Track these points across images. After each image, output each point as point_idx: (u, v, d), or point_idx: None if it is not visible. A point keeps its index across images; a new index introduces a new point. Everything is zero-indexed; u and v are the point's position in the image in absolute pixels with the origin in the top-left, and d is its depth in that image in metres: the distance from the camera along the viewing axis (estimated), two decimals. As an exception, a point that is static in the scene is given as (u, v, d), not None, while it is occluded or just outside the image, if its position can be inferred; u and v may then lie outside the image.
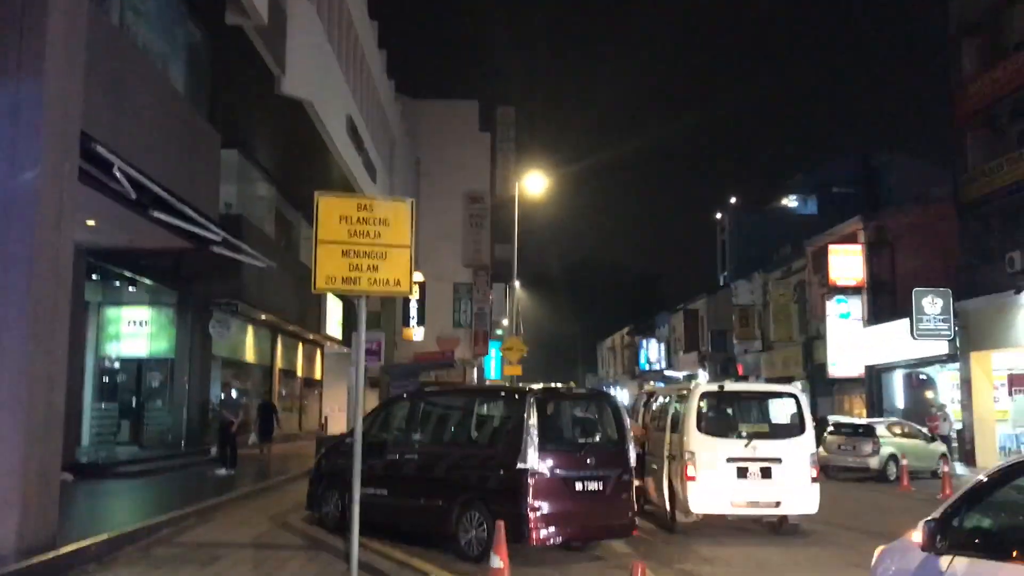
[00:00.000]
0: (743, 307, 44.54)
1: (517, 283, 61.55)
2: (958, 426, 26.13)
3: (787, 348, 39.47)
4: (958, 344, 26.21)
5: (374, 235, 8.76)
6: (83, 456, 17.49)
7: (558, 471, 9.79)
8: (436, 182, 45.77)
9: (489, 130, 48.60)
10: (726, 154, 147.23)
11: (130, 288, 21.31)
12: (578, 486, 9.93)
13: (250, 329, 27.95)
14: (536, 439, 9.68)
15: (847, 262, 32.21)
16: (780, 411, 12.97)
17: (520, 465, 9.62)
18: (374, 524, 10.47)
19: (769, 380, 41.27)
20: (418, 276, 39.74)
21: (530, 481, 9.57)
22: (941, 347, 26.75)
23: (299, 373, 35.02)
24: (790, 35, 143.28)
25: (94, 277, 20.12)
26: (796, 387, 13.02)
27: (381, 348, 22.52)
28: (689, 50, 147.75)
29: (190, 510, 12.19)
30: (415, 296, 39.20)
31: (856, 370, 31.96)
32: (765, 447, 11.89)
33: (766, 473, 11.82)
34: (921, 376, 30.96)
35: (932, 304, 26.03)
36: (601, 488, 10.08)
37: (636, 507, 10.69)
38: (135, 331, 22.58)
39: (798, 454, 11.94)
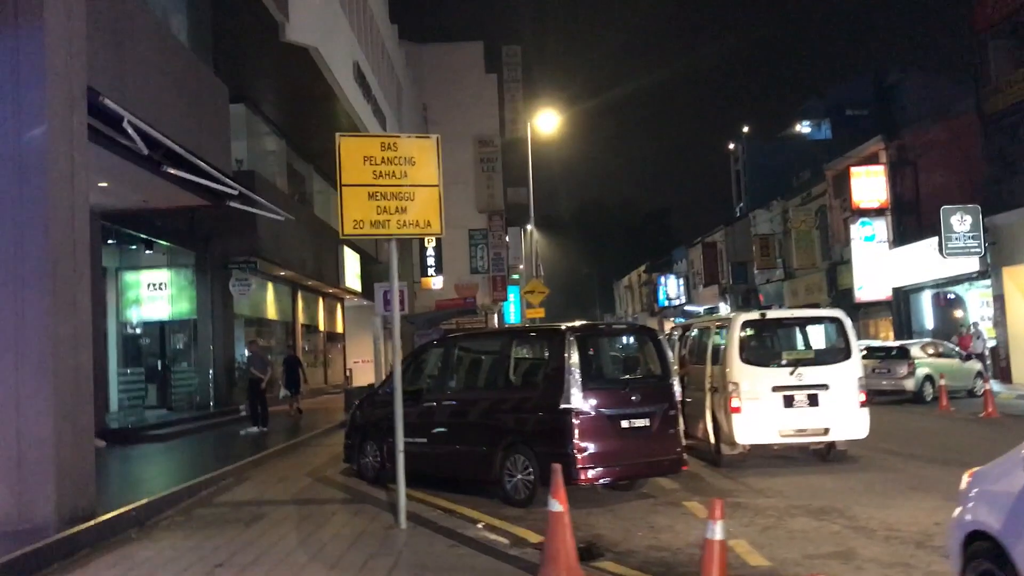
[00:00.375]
0: (763, 236, 43.99)
1: (530, 226, 61.14)
2: (992, 343, 25.73)
3: (809, 275, 38.99)
4: (989, 260, 25.68)
5: (400, 175, 8.38)
6: (112, 422, 17.38)
7: (603, 409, 9.48)
8: (444, 127, 44.92)
9: (496, 71, 47.71)
10: (736, 85, 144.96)
11: (147, 251, 21.03)
12: (624, 424, 9.63)
13: (270, 286, 27.74)
14: (579, 378, 9.36)
15: (870, 184, 31.55)
16: (824, 336, 12.62)
17: (563, 405, 9.32)
18: (414, 473, 10.21)
19: (792, 308, 40.90)
20: (433, 223, 39.29)
21: (575, 421, 9.27)
22: (971, 264, 26.22)
23: (321, 327, 34.89)
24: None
25: (110, 242, 19.86)
26: (839, 311, 12.59)
27: (405, 297, 22.17)
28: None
29: (227, 469, 12.01)
30: (431, 244, 38.86)
31: (883, 293, 31.50)
32: (811, 374, 11.55)
33: (813, 400, 11.50)
34: (949, 295, 30.48)
35: (961, 222, 25.46)
36: (648, 424, 9.78)
37: (684, 442, 10.39)
38: (155, 294, 22.37)
39: (845, 379, 11.60)
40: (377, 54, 29.04)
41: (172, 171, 11.83)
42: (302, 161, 29.63)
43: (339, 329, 38.74)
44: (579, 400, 9.32)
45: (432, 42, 46.11)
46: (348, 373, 39.80)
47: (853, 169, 31.82)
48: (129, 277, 22.06)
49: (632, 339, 10.91)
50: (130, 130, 10.45)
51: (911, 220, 31.12)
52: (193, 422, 19.43)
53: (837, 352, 11.92)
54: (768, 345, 12.45)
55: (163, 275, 22.45)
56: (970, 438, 14.42)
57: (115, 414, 19.20)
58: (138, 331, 22.41)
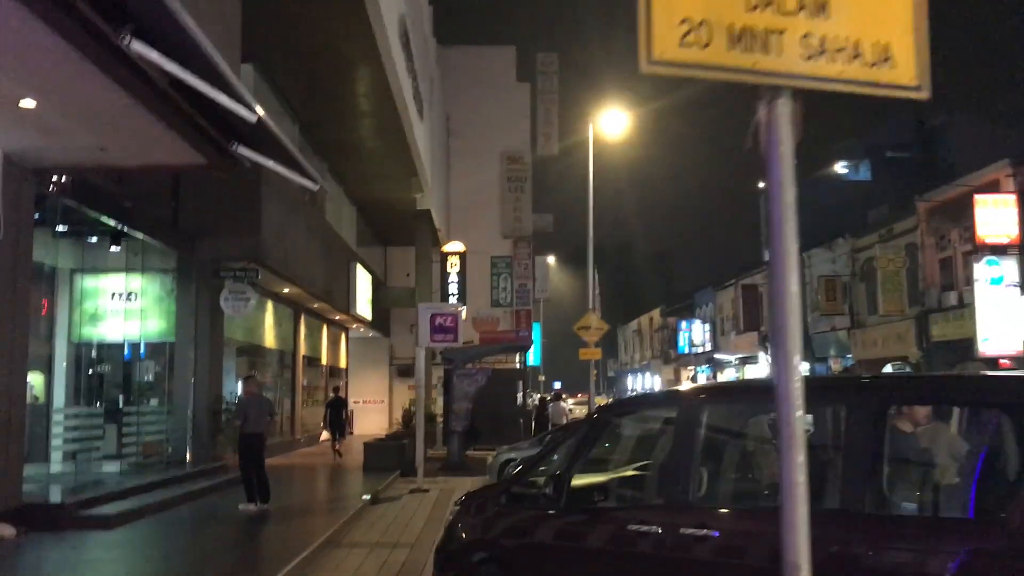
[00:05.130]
0: (828, 278, 38.58)
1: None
2: None
3: (891, 323, 33.53)
4: None
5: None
6: (53, 485, 11.62)
7: None
8: (468, 141, 39.72)
9: (529, 80, 42.35)
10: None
11: (113, 247, 15.36)
12: None
13: (269, 305, 22.05)
14: None
15: (998, 215, 26.23)
16: None
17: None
18: None
19: (861, 362, 35.81)
20: (459, 246, 33.74)
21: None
22: None
23: (324, 360, 29.12)
24: None
25: (61, 229, 14.25)
26: None
27: (457, 325, 16.36)
28: None
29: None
30: (455, 267, 33.31)
31: (1014, 347, 26.03)
32: None
33: None
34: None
35: None
36: None
37: None
38: (121, 307, 16.63)
39: None
40: (418, 25, 23.61)
41: (142, 49, 6.18)
42: (314, 156, 24.06)
43: (342, 364, 32.98)
44: None
45: (459, 44, 40.80)
46: (347, 415, 33.89)
47: (978, 197, 26.47)
48: (88, 282, 16.43)
49: None
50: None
51: (1042, 261, 25.86)
52: (162, 489, 13.63)
53: None
54: None
55: (134, 281, 16.73)
56: None
57: (57, 473, 13.49)
58: (93, 355, 16.55)
